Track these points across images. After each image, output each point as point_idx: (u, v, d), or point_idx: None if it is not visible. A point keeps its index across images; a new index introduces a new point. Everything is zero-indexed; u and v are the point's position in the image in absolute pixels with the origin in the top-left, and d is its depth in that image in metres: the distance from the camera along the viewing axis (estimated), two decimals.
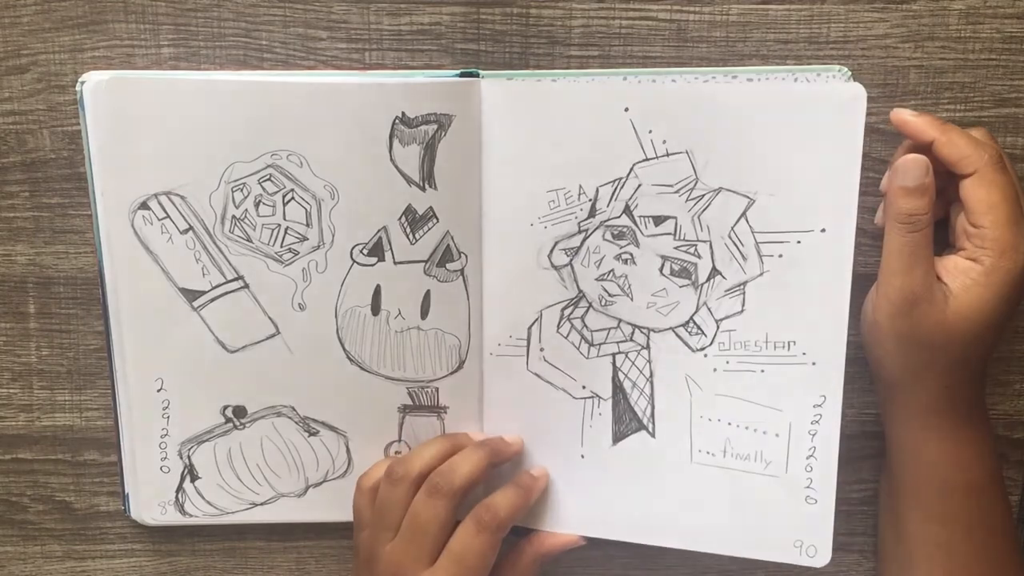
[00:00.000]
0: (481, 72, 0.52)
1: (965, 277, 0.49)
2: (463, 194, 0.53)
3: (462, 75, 0.52)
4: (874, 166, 0.54)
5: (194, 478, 0.56)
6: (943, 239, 0.52)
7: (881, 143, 0.54)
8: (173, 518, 0.57)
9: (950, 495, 0.52)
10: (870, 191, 0.53)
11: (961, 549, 0.52)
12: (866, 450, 0.59)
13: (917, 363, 0.50)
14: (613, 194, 0.53)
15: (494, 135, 0.53)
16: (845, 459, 0.58)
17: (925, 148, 0.50)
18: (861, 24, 0.53)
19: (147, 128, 0.51)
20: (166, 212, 0.52)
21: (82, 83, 0.51)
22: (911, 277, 0.49)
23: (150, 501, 0.56)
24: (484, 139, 0.53)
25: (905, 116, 0.50)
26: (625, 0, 0.52)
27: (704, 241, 0.52)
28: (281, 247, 0.53)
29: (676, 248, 0.53)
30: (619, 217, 0.53)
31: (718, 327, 0.53)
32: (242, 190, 0.52)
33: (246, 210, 0.52)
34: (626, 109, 0.51)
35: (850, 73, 0.53)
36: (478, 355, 0.55)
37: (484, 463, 0.52)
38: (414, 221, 0.53)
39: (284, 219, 0.52)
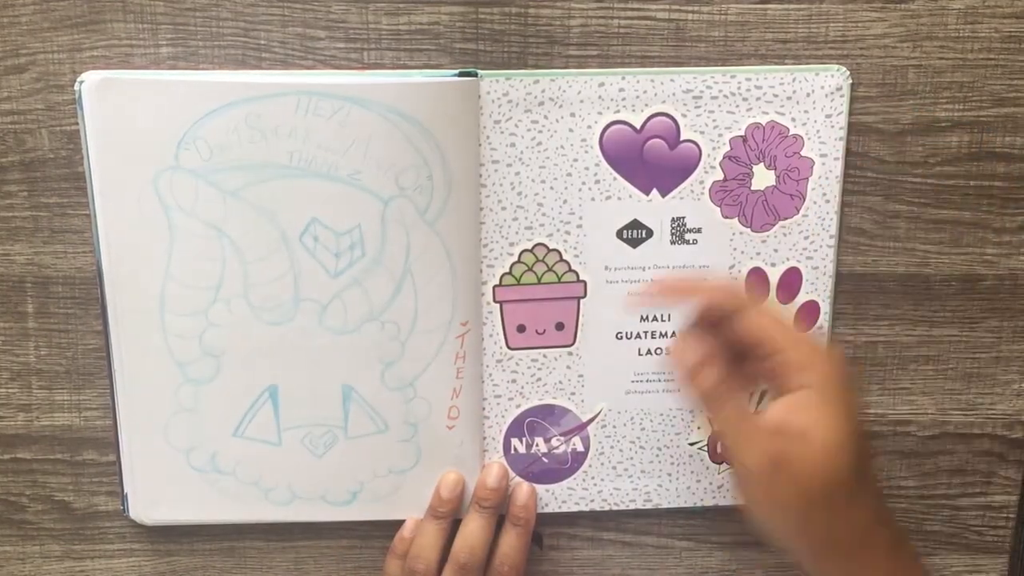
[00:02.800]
0: (480, 72, 0.52)
1: (805, 407, 0.44)
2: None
3: (460, 75, 0.52)
4: (873, 165, 0.54)
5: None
6: None
7: (880, 142, 0.54)
8: (172, 517, 0.57)
9: None
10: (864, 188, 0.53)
11: None
12: None
13: (820, 520, 0.44)
14: None
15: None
16: None
17: (688, 299, 0.49)
18: (860, 24, 0.53)
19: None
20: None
21: (80, 83, 0.51)
22: (740, 455, 0.45)
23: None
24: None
25: (663, 282, 0.51)
26: (624, 0, 0.52)
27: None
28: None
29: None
30: None
31: None
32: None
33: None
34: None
35: (848, 73, 0.53)
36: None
37: (491, 525, 0.56)
38: None
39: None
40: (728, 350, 0.47)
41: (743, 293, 0.47)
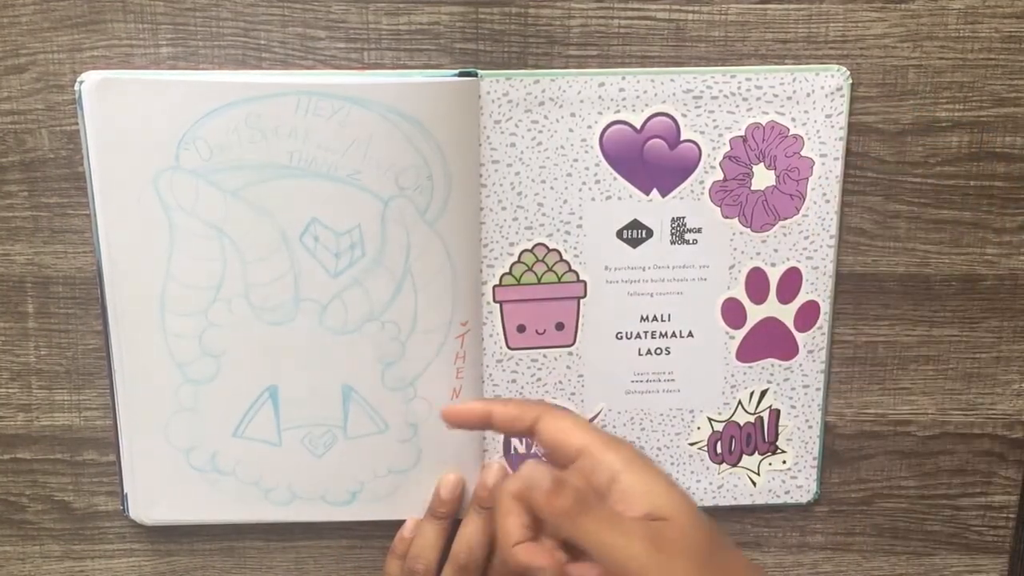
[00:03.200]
0: (480, 72, 0.52)
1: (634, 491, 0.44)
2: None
3: (460, 75, 0.52)
4: (873, 165, 0.54)
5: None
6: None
7: (880, 142, 0.54)
8: (172, 517, 0.57)
9: None
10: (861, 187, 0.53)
11: None
12: (866, 450, 0.59)
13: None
14: None
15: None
16: (845, 459, 0.59)
17: (487, 422, 0.50)
18: (860, 24, 0.53)
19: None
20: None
21: (81, 83, 0.51)
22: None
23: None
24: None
25: (452, 411, 0.51)
26: (624, 0, 0.52)
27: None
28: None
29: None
30: None
31: None
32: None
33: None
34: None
35: (848, 73, 0.53)
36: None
37: (491, 527, 0.54)
38: None
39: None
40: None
41: (532, 406, 0.48)
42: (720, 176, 0.54)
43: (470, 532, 0.55)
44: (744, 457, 0.58)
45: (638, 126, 0.53)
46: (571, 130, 0.53)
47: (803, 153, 0.54)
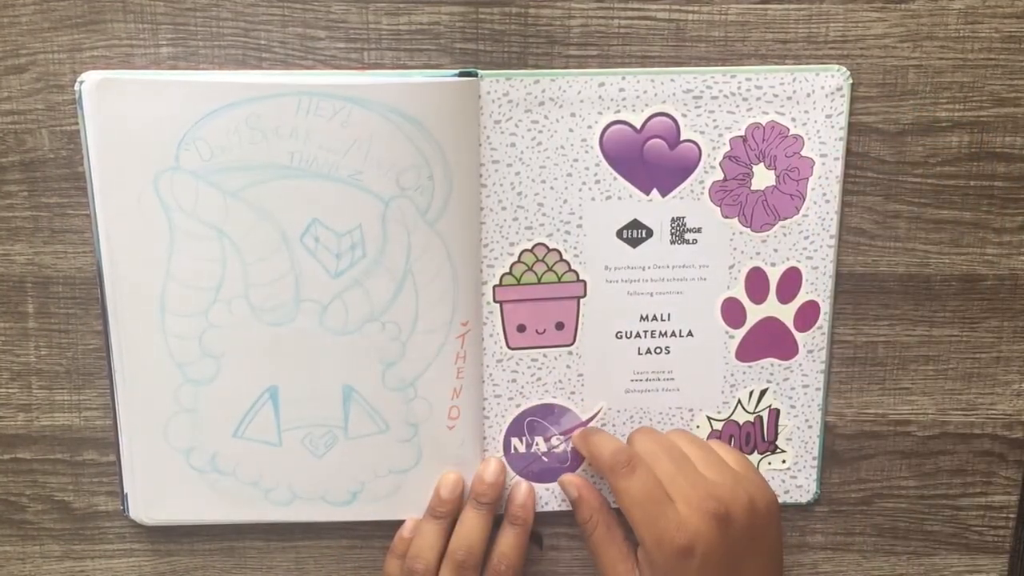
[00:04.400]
0: (480, 72, 0.52)
1: (640, 566, 0.52)
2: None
3: (460, 75, 0.52)
4: (873, 165, 0.54)
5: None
6: None
7: (880, 142, 0.54)
8: (172, 517, 0.57)
9: None
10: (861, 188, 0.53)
11: None
12: (866, 450, 0.59)
13: None
14: None
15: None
16: (845, 459, 0.59)
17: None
18: (860, 24, 0.53)
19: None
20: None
21: (81, 83, 0.51)
22: (602, 573, 0.53)
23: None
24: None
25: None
26: (624, 0, 0.52)
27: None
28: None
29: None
30: None
31: None
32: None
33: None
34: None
35: (848, 73, 0.53)
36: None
37: (489, 523, 0.56)
38: None
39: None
40: None
41: (612, 460, 0.52)
42: (720, 176, 0.54)
43: (468, 528, 0.55)
44: None
45: (638, 126, 0.53)
46: (571, 130, 0.53)
47: (803, 153, 0.54)
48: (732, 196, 0.54)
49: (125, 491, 0.57)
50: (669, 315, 0.56)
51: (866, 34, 0.53)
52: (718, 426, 0.58)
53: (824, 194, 0.54)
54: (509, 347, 0.56)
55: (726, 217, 0.55)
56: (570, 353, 0.56)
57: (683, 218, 0.55)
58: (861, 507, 0.59)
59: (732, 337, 0.56)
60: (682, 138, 0.54)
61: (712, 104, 0.53)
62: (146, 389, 0.55)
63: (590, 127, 0.53)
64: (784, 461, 0.58)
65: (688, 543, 0.49)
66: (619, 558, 0.52)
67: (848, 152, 0.54)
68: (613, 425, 0.57)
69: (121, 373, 0.54)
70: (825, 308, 0.56)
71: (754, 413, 0.57)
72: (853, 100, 0.53)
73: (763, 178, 0.54)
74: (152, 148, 0.51)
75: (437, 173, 0.52)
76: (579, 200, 0.54)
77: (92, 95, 0.51)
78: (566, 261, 0.55)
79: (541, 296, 0.55)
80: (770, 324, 0.56)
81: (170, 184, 0.52)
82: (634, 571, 0.52)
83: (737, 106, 0.53)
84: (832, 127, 0.53)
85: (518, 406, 0.57)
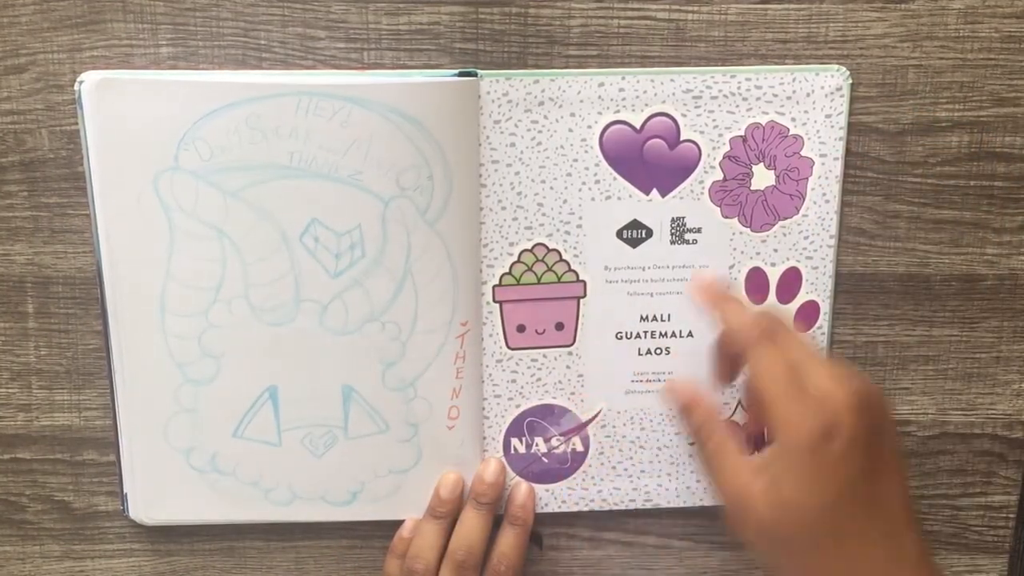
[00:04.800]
0: (479, 72, 0.52)
1: (768, 467, 0.44)
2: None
3: (460, 75, 0.52)
4: (873, 165, 0.54)
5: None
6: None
7: (880, 142, 0.54)
8: (172, 517, 0.57)
9: None
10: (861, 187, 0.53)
11: None
12: None
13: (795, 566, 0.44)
14: None
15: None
16: None
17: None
18: (860, 24, 0.53)
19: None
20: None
21: (80, 83, 0.51)
22: (720, 488, 0.46)
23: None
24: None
25: (695, 286, 0.51)
26: (624, 0, 0.52)
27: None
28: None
29: None
30: None
31: None
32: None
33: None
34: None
35: (848, 73, 0.53)
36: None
37: (488, 523, 0.55)
38: None
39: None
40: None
41: (752, 328, 0.47)
42: (720, 176, 0.54)
43: (468, 528, 0.55)
44: None
45: (638, 126, 0.53)
46: (571, 130, 0.53)
47: (803, 153, 0.54)
48: (732, 196, 0.54)
49: (125, 491, 0.57)
50: (669, 315, 0.56)
51: (866, 34, 0.53)
52: None
53: (824, 194, 0.54)
54: (509, 347, 0.56)
55: (726, 217, 0.55)
56: (570, 353, 0.56)
57: (683, 218, 0.55)
58: None
59: None
60: (682, 138, 0.54)
61: (712, 104, 0.53)
62: (146, 389, 0.55)
63: (590, 127, 0.53)
64: None
65: (833, 422, 0.42)
66: (740, 467, 0.46)
67: (848, 152, 0.54)
68: (614, 426, 0.57)
69: (121, 373, 0.54)
70: (825, 308, 0.56)
71: None
72: (853, 100, 0.53)
73: (763, 178, 0.54)
74: (152, 148, 0.51)
75: (437, 173, 0.52)
76: (579, 200, 0.54)
77: (92, 95, 0.51)
78: (566, 261, 0.55)
79: (541, 296, 0.55)
80: None
81: (170, 184, 0.52)
82: (757, 480, 0.44)
83: (737, 106, 0.53)
84: (832, 127, 0.53)
85: (518, 406, 0.57)
